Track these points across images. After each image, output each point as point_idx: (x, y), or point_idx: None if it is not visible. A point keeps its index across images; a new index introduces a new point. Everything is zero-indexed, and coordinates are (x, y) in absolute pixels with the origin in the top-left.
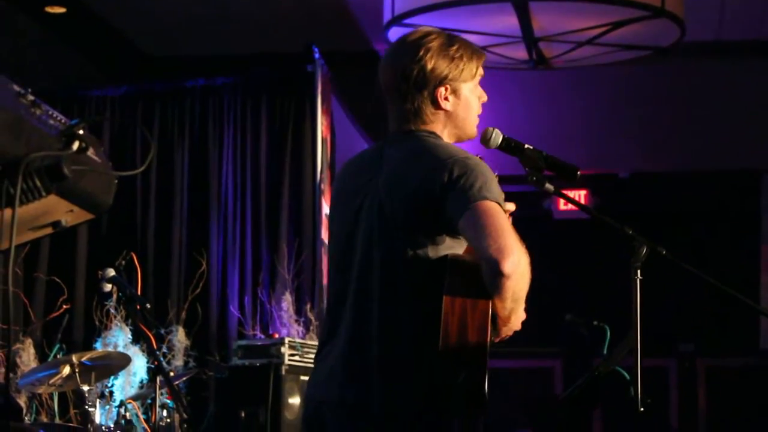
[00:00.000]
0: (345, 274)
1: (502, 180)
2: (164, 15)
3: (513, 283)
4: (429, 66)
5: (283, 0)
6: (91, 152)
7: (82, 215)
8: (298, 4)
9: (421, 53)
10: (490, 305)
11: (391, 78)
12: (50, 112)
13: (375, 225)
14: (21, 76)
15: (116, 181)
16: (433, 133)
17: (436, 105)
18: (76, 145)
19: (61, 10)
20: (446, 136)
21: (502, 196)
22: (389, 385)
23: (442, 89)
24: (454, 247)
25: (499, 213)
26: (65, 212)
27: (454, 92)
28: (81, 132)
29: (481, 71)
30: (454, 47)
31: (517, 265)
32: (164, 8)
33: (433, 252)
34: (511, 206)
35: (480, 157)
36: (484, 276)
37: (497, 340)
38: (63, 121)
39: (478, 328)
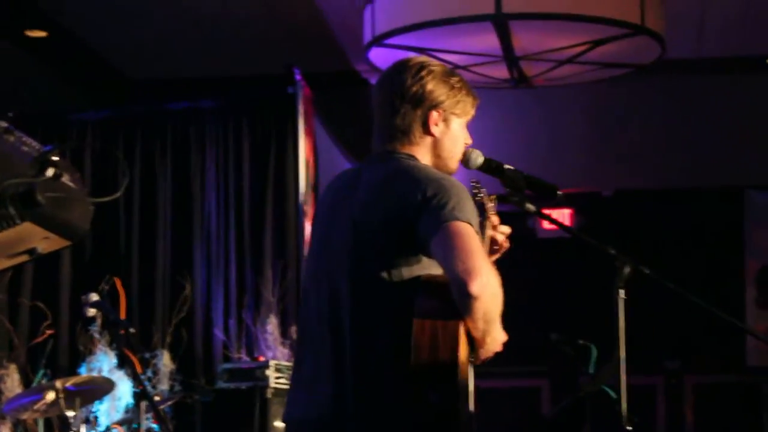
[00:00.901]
0: (320, 293)
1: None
2: (145, 38)
3: (482, 304)
4: (428, 87)
5: (264, 22)
6: (66, 178)
7: (58, 242)
8: (278, 25)
9: (423, 73)
10: (462, 325)
11: (386, 93)
12: (24, 139)
13: (349, 245)
14: (1, 101)
15: (93, 208)
16: (413, 156)
17: (426, 128)
18: (50, 172)
19: (42, 33)
20: (428, 163)
21: (476, 222)
22: (363, 405)
23: (435, 113)
24: (430, 267)
25: (470, 234)
26: (41, 239)
27: (445, 121)
28: (55, 158)
29: (472, 113)
30: (455, 78)
31: (485, 286)
32: (145, 31)
33: (407, 272)
34: (506, 229)
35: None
36: (454, 297)
37: (477, 362)
38: (37, 147)
39: (449, 348)
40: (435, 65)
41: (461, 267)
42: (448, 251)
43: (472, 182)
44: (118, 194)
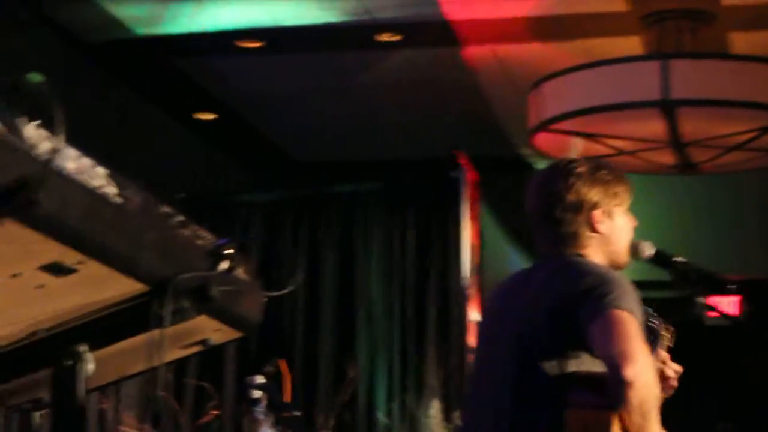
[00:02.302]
0: (484, 383)
1: (651, 285)
2: (312, 120)
3: (637, 392)
4: (582, 191)
5: (428, 107)
6: (239, 271)
7: (230, 333)
8: (445, 110)
9: (572, 179)
10: (615, 417)
11: (542, 203)
12: (198, 232)
13: (515, 337)
14: (171, 182)
15: (264, 299)
16: (586, 255)
17: (592, 228)
18: (224, 266)
19: (211, 116)
20: (600, 260)
21: (640, 317)
22: None
23: (597, 212)
24: (593, 364)
25: (630, 322)
26: (213, 330)
27: (609, 216)
28: (229, 251)
29: (630, 197)
30: (603, 171)
31: (640, 374)
32: (312, 113)
33: (567, 366)
34: (677, 367)
35: None
36: (609, 384)
37: None
38: (211, 239)
39: None
40: (581, 166)
41: (616, 350)
42: (606, 336)
43: (648, 311)
44: (290, 288)
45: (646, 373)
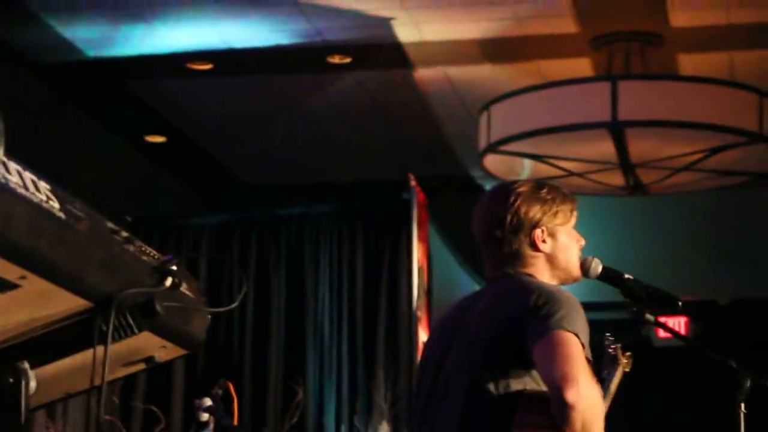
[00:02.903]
0: (428, 403)
1: (600, 306)
2: (261, 143)
3: (579, 414)
4: (522, 210)
5: (379, 129)
6: (184, 288)
7: (175, 351)
8: (394, 132)
9: (512, 199)
10: None
11: (484, 226)
12: (143, 248)
13: (462, 358)
14: (120, 204)
15: (209, 317)
16: (532, 275)
17: (535, 247)
18: (169, 282)
19: (161, 139)
20: (548, 279)
21: (586, 336)
22: None
23: (538, 231)
24: (540, 383)
25: (574, 344)
26: (158, 348)
27: (551, 235)
28: (174, 268)
29: (575, 216)
30: (544, 190)
31: (582, 396)
32: (261, 137)
33: (515, 385)
34: None
35: None
36: (552, 406)
37: None
38: (156, 256)
39: None
40: (521, 186)
41: (558, 373)
42: (549, 358)
43: (607, 336)
44: (235, 305)
45: (588, 395)
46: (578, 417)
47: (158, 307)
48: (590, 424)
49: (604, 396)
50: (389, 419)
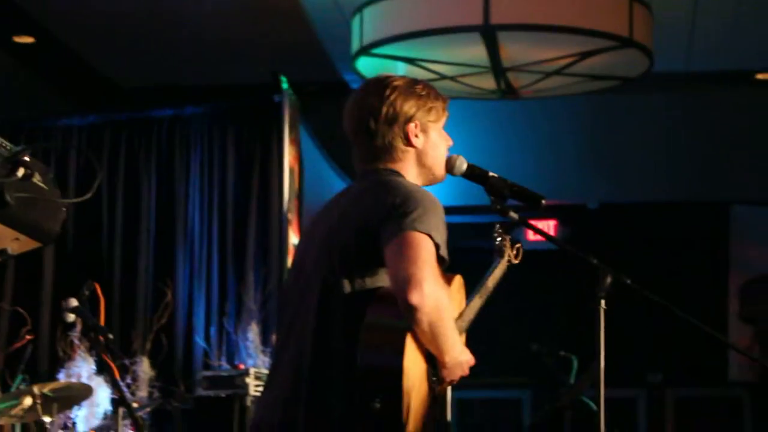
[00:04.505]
0: (293, 302)
1: (471, 210)
2: (133, 45)
3: (425, 316)
4: (398, 103)
5: (252, 31)
6: (37, 179)
7: (28, 243)
8: (267, 35)
9: (388, 92)
10: (410, 335)
11: (358, 118)
12: None
13: (323, 256)
14: None
15: (65, 209)
16: (397, 172)
17: (408, 141)
18: (20, 172)
19: (30, 39)
20: (414, 176)
21: (442, 235)
22: (313, 409)
23: (412, 125)
24: None
25: (424, 246)
26: (11, 240)
27: (424, 131)
28: (26, 158)
29: (446, 114)
30: (419, 86)
31: (426, 297)
32: (133, 38)
33: (371, 282)
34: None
35: None
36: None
37: (442, 384)
38: (8, 147)
39: (392, 356)
40: (397, 80)
41: (403, 275)
42: (396, 260)
43: (496, 227)
44: (89, 195)
45: (433, 297)
46: (424, 318)
47: (8, 198)
48: (436, 324)
49: (478, 286)
50: (258, 321)
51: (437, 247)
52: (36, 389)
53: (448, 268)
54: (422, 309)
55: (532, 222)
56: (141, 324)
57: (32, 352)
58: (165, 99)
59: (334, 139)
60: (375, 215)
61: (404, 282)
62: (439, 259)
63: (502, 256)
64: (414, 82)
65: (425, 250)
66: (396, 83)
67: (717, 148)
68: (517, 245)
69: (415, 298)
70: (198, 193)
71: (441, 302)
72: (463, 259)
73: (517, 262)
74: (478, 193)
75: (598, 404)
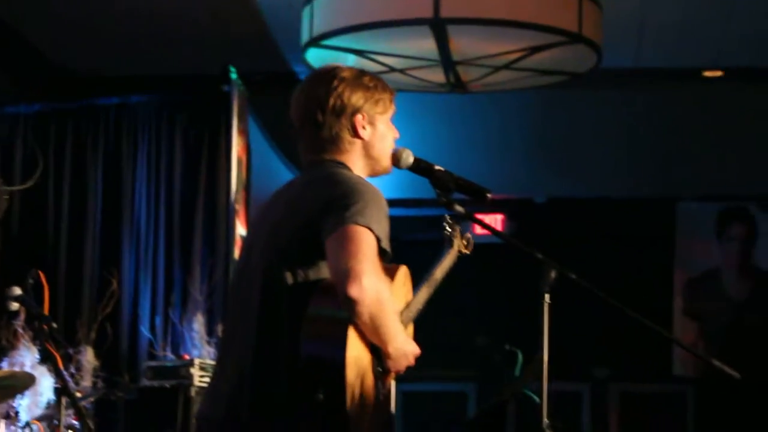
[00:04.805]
0: (240, 294)
1: (417, 203)
2: (80, 32)
3: (365, 308)
4: (346, 94)
5: (202, 20)
6: None
7: None
8: (216, 24)
9: (336, 83)
10: (352, 327)
11: (305, 109)
12: None
13: (268, 248)
14: None
15: (6, 197)
16: (343, 163)
17: (354, 133)
18: None
19: None
20: (361, 168)
21: (384, 228)
22: (256, 403)
23: (359, 117)
24: None
25: (364, 239)
26: None
27: (371, 123)
28: None
29: (393, 106)
30: (367, 77)
31: (365, 290)
32: (80, 25)
33: (313, 275)
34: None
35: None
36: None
37: (388, 376)
38: None
39: (335, 348)
40: (345, 71)
41: (342, 268)
42: (336, 253)
43: (447, 217)
44: (30, 183)
45: (373, 290)
46: (364, 310)
47: None
48: (377, 316)
49: (426, 276)
50: (204, 311)
51: (378, 240)
52: None
53: (392, 260)
54: (362, 302)
55: (479, 216)
56: (86, 313)
57: None
58: (113, 88)
59: (282, 129)
60: (317, 208)
61: (344, 275)
62: (381, 252)
63: (451, 246)
64: (362, 73)
65: (365, 244)
66: (344, 74)
67: (664, 144)
68: (467, 236)
69: (354, 291)
70: (145, 182)
71: (381, 294)
72: (409, 252)
73: (467, 252)
74: (425, 186)
75: (541, 398)
